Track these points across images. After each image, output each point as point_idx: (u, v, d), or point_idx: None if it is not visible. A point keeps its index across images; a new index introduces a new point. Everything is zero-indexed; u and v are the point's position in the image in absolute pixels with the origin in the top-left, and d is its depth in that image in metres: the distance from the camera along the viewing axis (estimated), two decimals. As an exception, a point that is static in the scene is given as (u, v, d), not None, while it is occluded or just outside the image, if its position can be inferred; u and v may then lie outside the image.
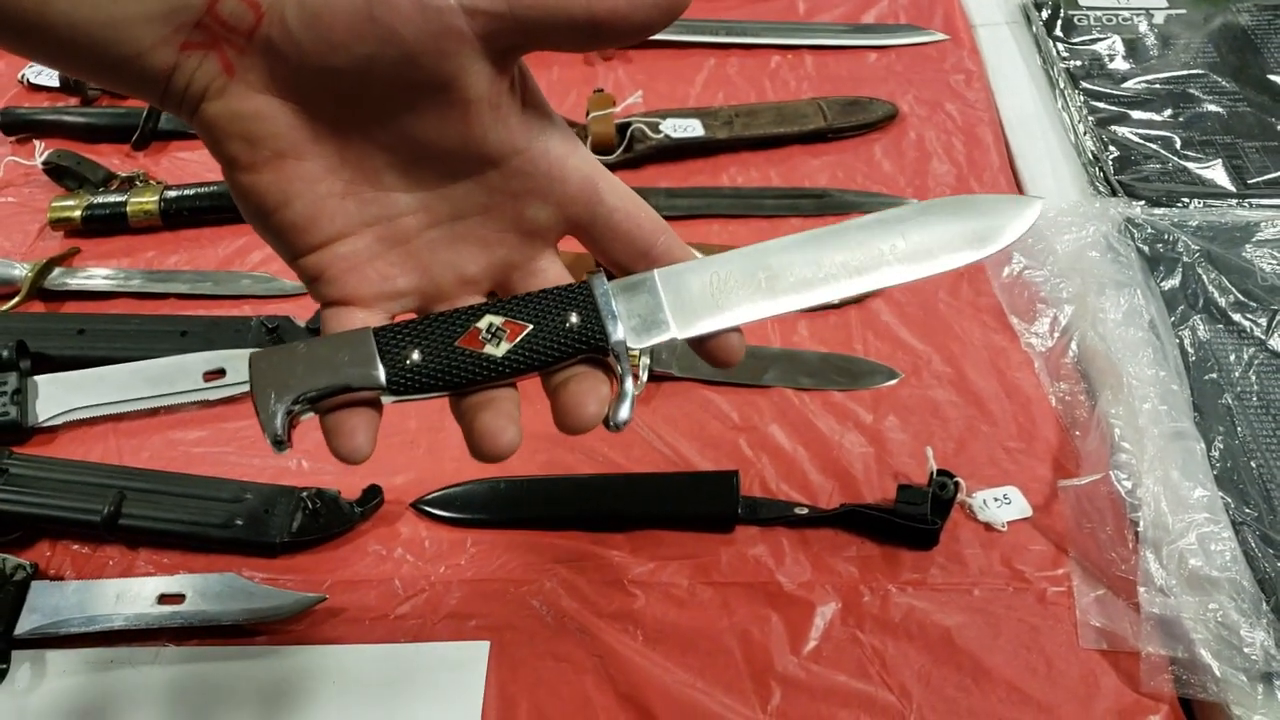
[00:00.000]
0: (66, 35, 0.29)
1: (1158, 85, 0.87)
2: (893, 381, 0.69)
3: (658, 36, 0.95)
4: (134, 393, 0.68)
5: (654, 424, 0.67)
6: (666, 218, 0.37)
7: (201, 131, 0.33)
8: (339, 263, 0.35)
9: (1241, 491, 0.59)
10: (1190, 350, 0.66)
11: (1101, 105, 0.85)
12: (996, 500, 0.61)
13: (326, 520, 0.61)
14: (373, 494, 0.62)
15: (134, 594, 0.58)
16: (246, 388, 0.68)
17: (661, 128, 0.84)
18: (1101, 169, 0.80)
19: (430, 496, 0.63)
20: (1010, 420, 0.66)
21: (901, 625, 0.57)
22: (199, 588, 0.57)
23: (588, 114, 0.84)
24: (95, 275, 0.78)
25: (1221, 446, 0.61)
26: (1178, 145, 0.81)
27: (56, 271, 0.77)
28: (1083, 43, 0.92)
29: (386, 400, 0.34)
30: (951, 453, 0.64)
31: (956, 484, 0.59)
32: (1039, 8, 0.96)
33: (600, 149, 0.83)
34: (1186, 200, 0.77)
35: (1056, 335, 0.69)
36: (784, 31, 0.98)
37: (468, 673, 0.55)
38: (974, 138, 0.86)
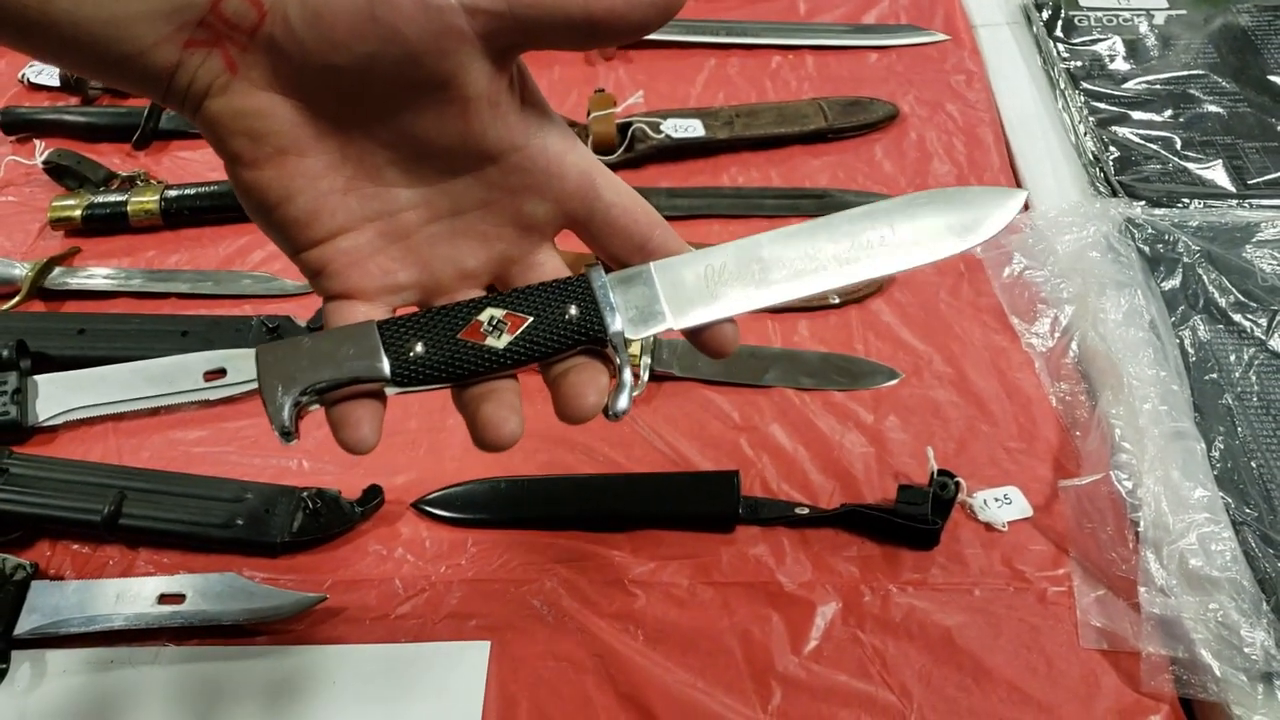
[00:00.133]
0: (69, 33, 0.29)
1: (1158, 86, 0.87)
2: (893, 381, 0.69)
3: (658, 37, 0.96)
4: (134, 392, 0.68)
5: (655, 424, 0.67)
6: (667, 218, 0.38)
7: (204, 128, 0.33)
8: (341, 257, 0.35)
9: (1242, 491, 0.59)
10: (1191, 350, 0.66)
11: (1102, 106, 0.85)
12: (997, 500, 0.61)
13: (327, 520, 0.61)
14: (373, 494, 0.62)
15: (134, 594, 0.58)
16: (247, 387, 0.69)
17: (662, 128, 0.84)
18: (1102, 169, 0.80)
19: (431, 496, 0.63)
20: (1011, 420, 0.66)
21: (902, 625, 0.57)
22: (199, 587, 0.57)
23: (589, 114, 0.84)
24: (96, 275, 0.78)
25: (1222, 447, 0.61)
26: (1178, 146, 0.81)
27: (57, 271, 0.77)
28: (1083, 43, 0.92)
29: (390, 392, 0.35)
30: (952, 453, 0.64)
31: (957, 484, 0.59)
32: (1039, 8, 0.96)
33: (601, 149, 0.83)
34: (1187, 201, 0.77)
35: (1057, 335, 0.69)
36: (785, 32, 0.98)
37: (468, 672, 0.55)
38: (974, 138, 0.86)
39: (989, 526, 0.61)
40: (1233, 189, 0.78)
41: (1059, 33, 0.93)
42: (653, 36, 0.97)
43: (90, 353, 0.70)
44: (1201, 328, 0.67)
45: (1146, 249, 0.72)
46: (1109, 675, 0.54)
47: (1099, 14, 0.94)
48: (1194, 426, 0.61)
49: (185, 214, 0.81)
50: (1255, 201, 0.77)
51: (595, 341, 0.35)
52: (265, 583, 0.59)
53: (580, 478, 0.64)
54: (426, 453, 0.66)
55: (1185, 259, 0.71)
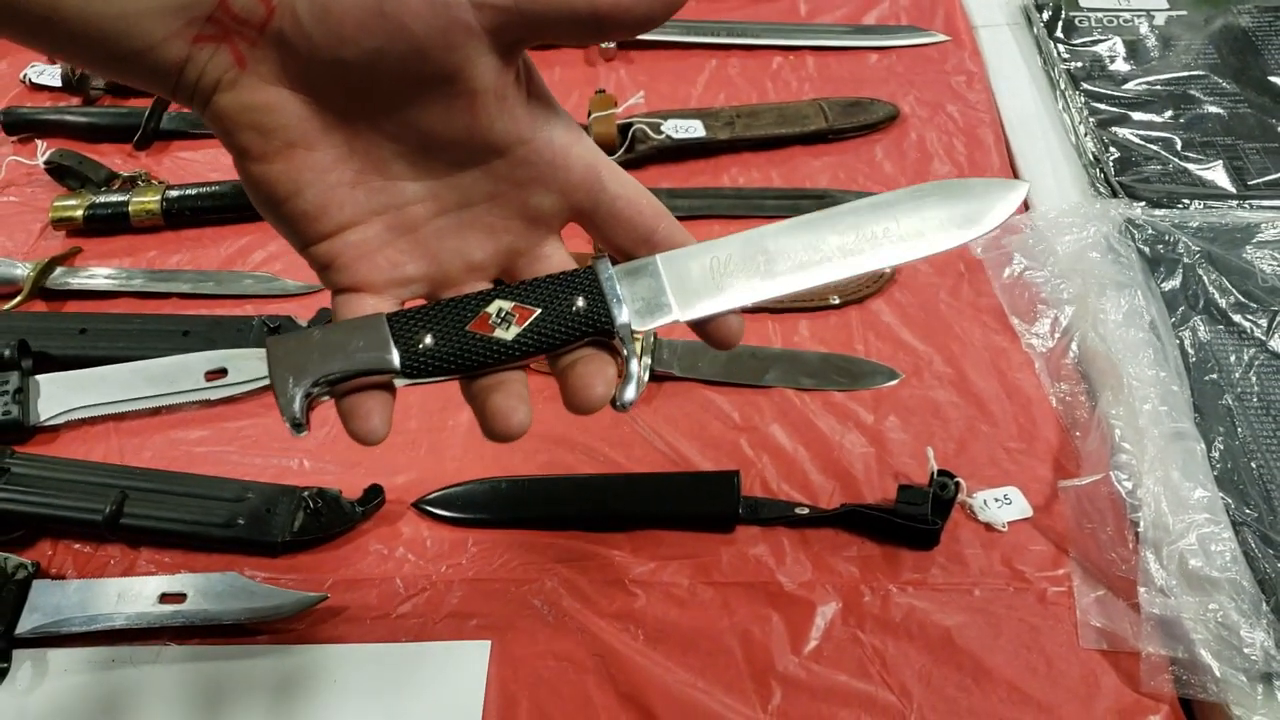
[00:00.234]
0: (79, 28, 0.30)
1: (1158, 87, 0.87)
2: (893, 382, 0.69)
3: (659, 37, 0.96)
4: (136, 392, 0.68)
5: (655, 424, 0.67)
6: (667, 219, 0.38)
7: (213, 123, 0.33)
8: (349, 250, 0.35)
9: (1242, 492, 0.59)
10: (1191, 351, 0.66)
11: (1102, 106, 0.85)
12: (997, 500, 0.61)
13: (328, 520, 0.61)
14: (374, 493, 0.62)
15: (135, 593, 0.58)
16: (248, 387, 0.69)
17: (663, 128, 0.84)
18: (1102, 170, 0.80)
19: (431, 496, 0.63)
20: (1011, 421, 0.66)
21: (902, 625, 0.57)
22: (200, 587, 0.58)
23: (590, 114, 0.84)
24: (97, 275, 0.78)
25: (1222, 447, 0.61)
26: (1178, 146, 0.81)
27: (58, 271, 0.77)
28: (1084, 44, 0.92)
29: (400, 383, 0.35)
30: (952, 453, 0.65)
31: (957, 484, 0.59)
32: (1040, 9, 0.96)
33: (602, 149, 0.83)
34: (1187, 201, 0.77)
35: (1057, 336, 0.69)
36: (785, 33, 0.98)
37: (469, 672, 0.55)
38: (975, 139, 0.86)
39: (989, 527, 0.61)
40: (1233, 190, 0.78)
41: (1059, 33, 0.93)
42: (653, 37, 0.98)
43: (92, 352, 0.71)
44: (1202, 328, 0.67)
45: (1147, 249, 0.72)
46: (1109, 675, 0.54)
47: (1099, 15, 0.94)
48: (1194, 427, 0.61)
49: (186, 214, 0.82)
50: (1255, 202, 0.77)
51: (602, 333, 0.36)
52: (266, 582, 0.59)
53: (580, 478, 0.64)
54: (427, 452, 0.66)
55: (1185, 260, 0.71)
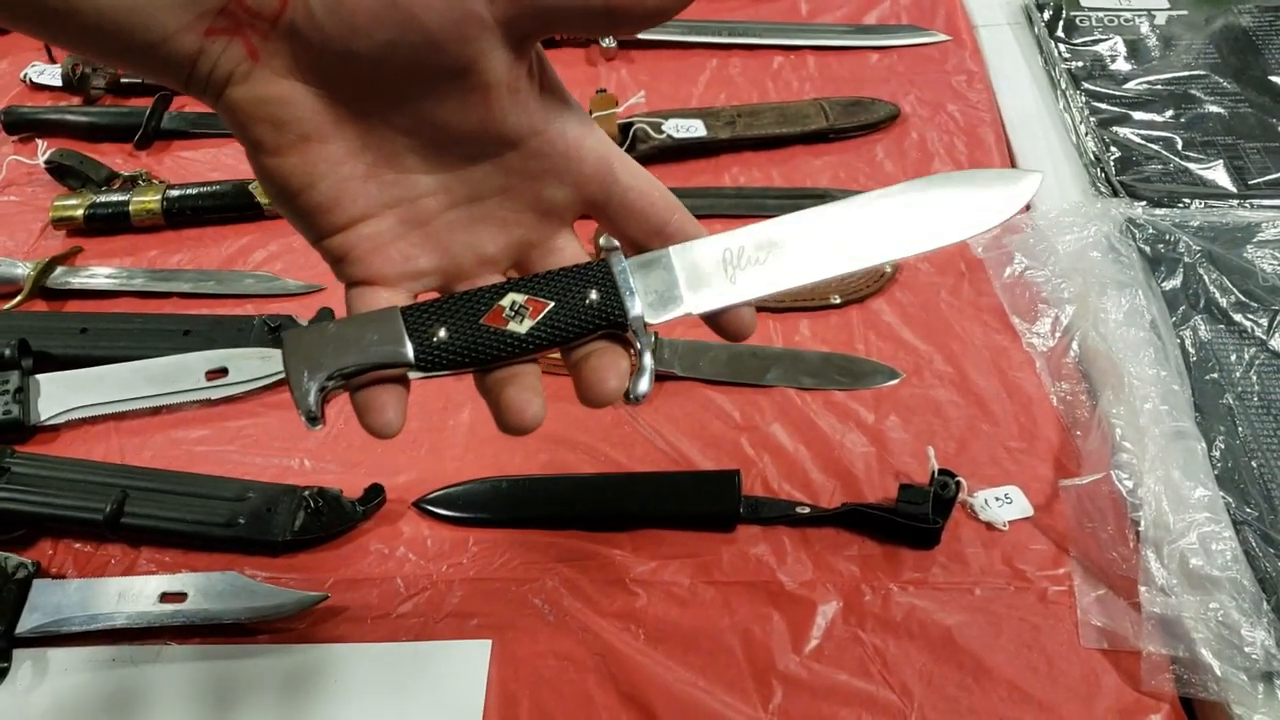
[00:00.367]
0: (92, 21, 0.29)
1: (1159, 86, 0.87)
2: (894, 381, 0.69)
3: (661, 36, 0.96)
4: (136, 392, 0.68)
5: (656, 423, 0.67)
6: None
7: (226, 116, 0.33)
8: (363, 243, 0.35)
9: (1242, 491, 0.59)
10: (1191, 350, 0.66)
11: (1103, 106, 0.85)
12: (998, 500, 0.61)
13: (329, 519, 0.61)
14: (375, 493, 0.62)
15: (136, 592, 0.58)
16: (249, 387, 0.69)
17: (664, 128, 0.84)
18: (1103, 169, 0.80)
19: (432, 495, 0.63)
20: (1011, 420, 0.66)
21: (903, 624, 0.57)
22: (201, 586, 0.58)
23: (590, 114, 0.84)
24: (98, 274, 0.78)
25: (1222, 446, 0.61)
26: (1179, 146, 0.81)
27: (59, 270, 0.77)
28: (1084, 44, 0.92)
29: (414, 376, 0.35)
30: (953, 452, 0.65)
31: (958, 483, 0.59)
32: (1041, 9, 0.96)
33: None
34: (1188, 201, 0.77)
35: (1058, 335, 0.69)
36: (786, 32, 0.98)
37: (469, 671, 0.55)
38: (976, 138, 0.86)
39: (989, 526, 0.61)
40: (1234, 189, 0.78)
41: (1060, 33, 0.93)
42: (654, 36, 0.98)
43: (92, 352, 0.71)
44: (1202, 327, 0.67)
45: (1147, 249, 0.72)
46: (1109, 674, 0.54)
47: (1100, 14, 0.94)
48: (1195, 426, 0.61)
49: (187, 214, 0.82)
50: (1256, 202, 0.77)
51: (616, 326, 0.36)
52: (267, 581, 0.59)
53: (581, 477, 0.64)
54: (428, 452, 0.66)
55: (1186, 259, 0.71)
